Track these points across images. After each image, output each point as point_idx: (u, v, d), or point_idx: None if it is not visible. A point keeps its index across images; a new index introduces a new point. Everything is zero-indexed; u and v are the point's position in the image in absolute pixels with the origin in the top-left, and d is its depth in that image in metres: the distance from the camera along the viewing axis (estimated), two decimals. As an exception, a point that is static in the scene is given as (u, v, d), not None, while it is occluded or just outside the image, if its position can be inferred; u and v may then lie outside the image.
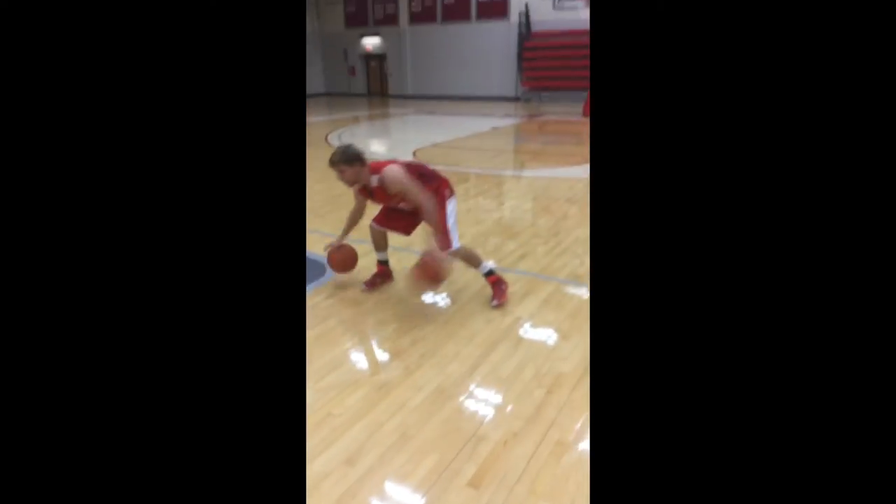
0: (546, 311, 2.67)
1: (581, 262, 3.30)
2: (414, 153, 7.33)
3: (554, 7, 13.40)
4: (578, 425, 1.82)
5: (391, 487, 1.59)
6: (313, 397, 2.00)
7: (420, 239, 2.70)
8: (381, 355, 2.34)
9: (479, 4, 15.32)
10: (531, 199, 4.97)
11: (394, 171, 2.46)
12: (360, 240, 3.59)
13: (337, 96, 18.39)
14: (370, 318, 2.65)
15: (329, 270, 3.22)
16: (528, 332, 2.48)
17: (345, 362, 2.25)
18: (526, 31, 14.56)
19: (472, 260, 2.71)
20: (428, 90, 16.83)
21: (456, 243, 2.61)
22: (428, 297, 2.86)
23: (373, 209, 2.80)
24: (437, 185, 2.61)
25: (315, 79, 18.76)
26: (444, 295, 2.89)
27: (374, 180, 2.52)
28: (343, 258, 2.90)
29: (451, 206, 2.63)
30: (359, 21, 17.81)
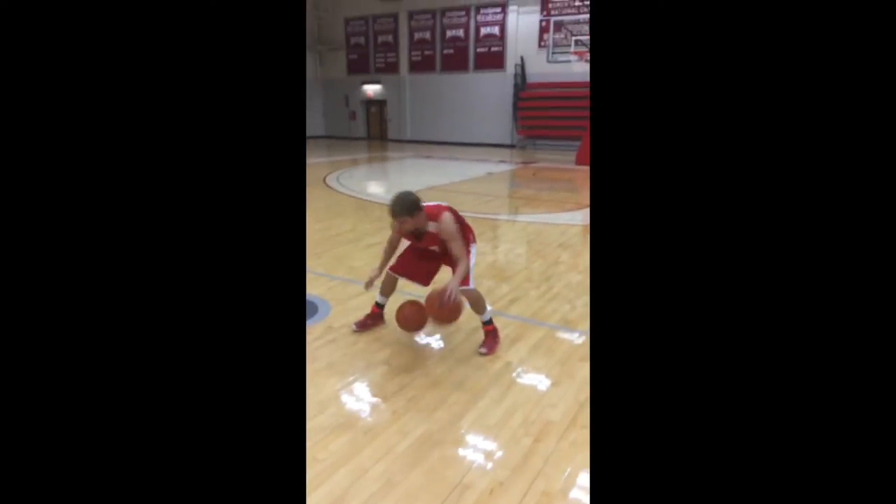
0: (536, 357, 2.66)
1: (572, 307, 3.32)
2: (410, 196, 7.44)
3: (548, 60, 13.98)
4: (565, 476, 1.79)
5: (373, 538, 1.54)
6: (298, 441, 1.97)
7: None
8: (369, 399, 2.32)
9: (476, 56, 15.95)
10: (524, 243, 5.03)
11: (450, 220, 2.53)
12: (354, 280, 3.60)
13: (337, 139, 18.80)
14: (359, 360, 2.63)
15: (319, 311, 3.22)
16: (518, 378, 2.47)
17: (331, 405, 2.23)
18: (521, 81, 15.13)
19: (478, 305, 2.72)
20: (426, 135, 17.26)
21: (472, 284, 2.66)
22: (418, 342, 2.86)
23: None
24: (465, 232, 2.70)
25: (316, 122, 19.23)
26: (434, 339, 2.88)
27: (431, 226, 2.55)
28: (415, 316, 2.71)
29: (474, 251, 2.72)
30: (360, 68, 18.44)
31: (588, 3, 12.79)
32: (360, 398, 2.33)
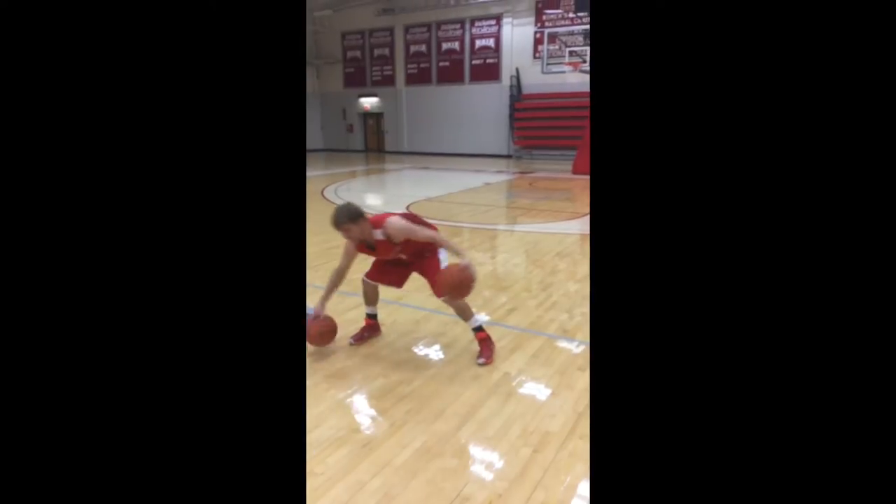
0: (534, 367, 2.65)
1: (570, 316, 3.32)
2: (408, 207, 7.47)
3: (543, 71, 14.09)
4: (564, 486, 1.78)
5: (371, 553, 1.53)
6: (295, 455, 1.95)
7: (411, 288, 2.71)
8: (367, 411, 2.31)
9: (472, 68, 16.09)
10: (522, 253, 5.03)
11: (396, 221, 2.52)
12: (351, 293, 3.60)
13: (335, 152, 18.89)
14: (356, 373, 2.62)
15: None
16: (516, 388, 2.46)
17: (329, 418, 2.21)
18: (517, 92, 15.25)
19: (464, 312, 2.71)
20: (423, 147, 17.34)
21: None
22: (416, 352, 2.85)
23: (363, 265, 2.83)
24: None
25: (314, 135, 19.32)
26: (431, 350, 2.87)
27: (377, 234, 2.53)
28: (321, 330, 2.73)
29: (443, 255, 2.69)
30: (357, 82, 18.59)
31: (582, 15, 12.94)
32: (357, 411, 2.32)
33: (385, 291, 2.94)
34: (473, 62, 16.03)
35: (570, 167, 11.93)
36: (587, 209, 7.15)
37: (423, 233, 2.55)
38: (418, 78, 17.21)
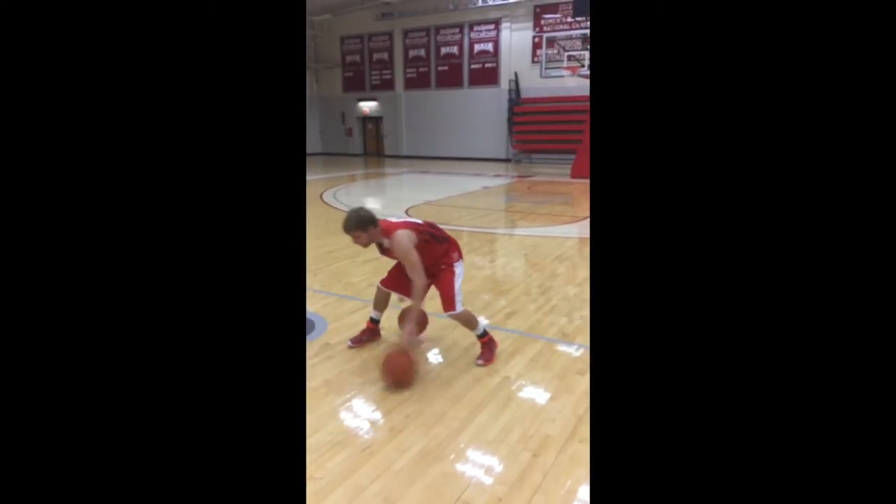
0: (534, 371, 2.65)
1: (569, 320, 3.32)
2: (407, 211, 7.47)
3: (541, 75, 14.15)
4: (564, 490, 1.78)
5: (371, 558, 1.52)
6: (294, 460, 1.95)
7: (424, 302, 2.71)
8: (366, 416, 2.30)
9: (471, 72, 16.13)
10: (521, 256, 5.04)
11: (403, 241, 2.49)
12: (351, 296, 3.59)
13: (334, 156, 18.90)
14: (356, 377, 2.62)
15: (316, 328, 3.21)
16: (516, 392, 2.46)
17: (328, 423, 2.21)
18: (516, 96, 15.29)
19: (471, 323, 2.72)
20: (422, 151, 17.36)
21: (459, 307, 2.64)
22: (415, 356, 2.85)
23: (380, 272, 2.79)
24: (446, 247, 2.67)
25: (313, 139, 19.34)
26: (431, 354, 2.87)
27: (385, 242, 2.55)
28: (404, 367, 2.49)
29: (459, 269, 2.68)
30: (356, 86, 18.62)
31: (580, 19, 12.99)
32: (357, 415, 2.31)
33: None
34: (472, 66, 16.07)
35: (568, 171, 11.95)
36: (586, 213, 7.16)
37: (412, 266, 2.50)
38: (417, 82, 17.25)
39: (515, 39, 15.16)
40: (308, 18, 17.14)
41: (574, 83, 13.56)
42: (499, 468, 1.90)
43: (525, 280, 4.20)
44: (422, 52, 16.91)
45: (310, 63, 18.58)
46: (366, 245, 2.56)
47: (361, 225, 2.46)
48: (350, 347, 2.89)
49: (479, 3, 15.32)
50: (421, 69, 17.06)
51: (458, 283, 2.65)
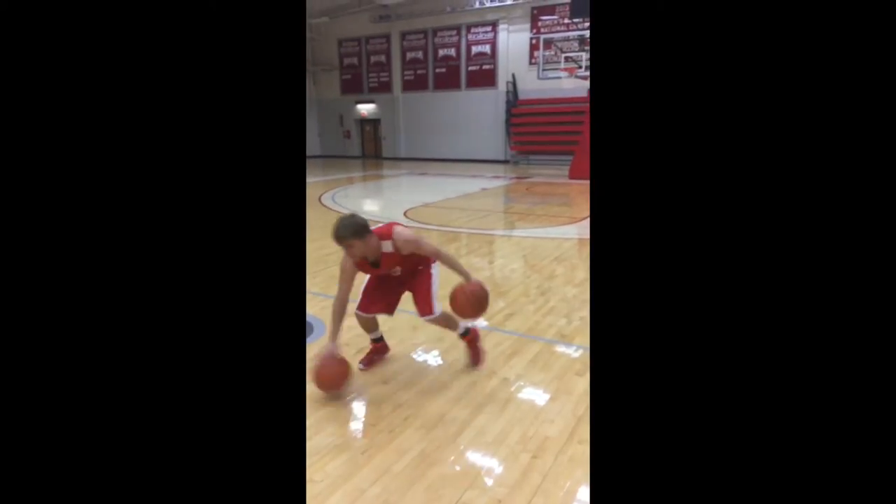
0: (533, 372, 2.66)
1: (568, 321, 3.32)
2: (405, 213, 7.48)
3: (539, 77, 14.18)
4: (563, 492, 1.78)
5: (371, 560, 1.52)
6: (294, 463, 1.94)
7: (409, 294, 2.71)
8: (365, 418, 2.30)
9: (468, 74, 16.16)
10: (520, 258, 5.04)
11: (403, 232, 2.40)
12: (351, 298, 3.59)
13: (332, 158, 18.91)
14: (354, 380, 2.61)
15: (315, 331, 3.21)
16: (515, 393, 2.46)
17: (328, 426, 2.21)
18: (513, 98, 15.31)
19: (450, 324, 2.66)
20: (420, 153, 17.38)
21: (437, 310, 2.57)
22: (414, 358, 2.84)
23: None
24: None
25: (311, 142, 19.33)
26: (430, 356, 2.87)
27: (386, 246, 2.36)
28: (337, 372, 2.37)
29: (435, 271, 2.62)
30: (354, 88, 18.64)
31: (577, 21, 13.03)
32: (356, 417, 2.31)
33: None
34: (470, 68, 16.10)
35: (566, 172, 11.97)
36: (584, 214, 7.17)
37: (428, 248, 2.47)
38: (415, 84, 17.27)
39: (513, 41, 15.19)
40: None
41: (571, 84, 13.58)
42: (498, 470, 1.90)
43: (524, 281, 4.20)
44: (419, 55, 16.94)
45: (307, 66, 18.59)
46: (358, 257, 2.33)
47: (359, 233, 2.25)
48: (362, 370, 2.72)
49: (477, 6, 15.35)
50: (418, 71, 17.09)
51: (434, 286, 2.57)
